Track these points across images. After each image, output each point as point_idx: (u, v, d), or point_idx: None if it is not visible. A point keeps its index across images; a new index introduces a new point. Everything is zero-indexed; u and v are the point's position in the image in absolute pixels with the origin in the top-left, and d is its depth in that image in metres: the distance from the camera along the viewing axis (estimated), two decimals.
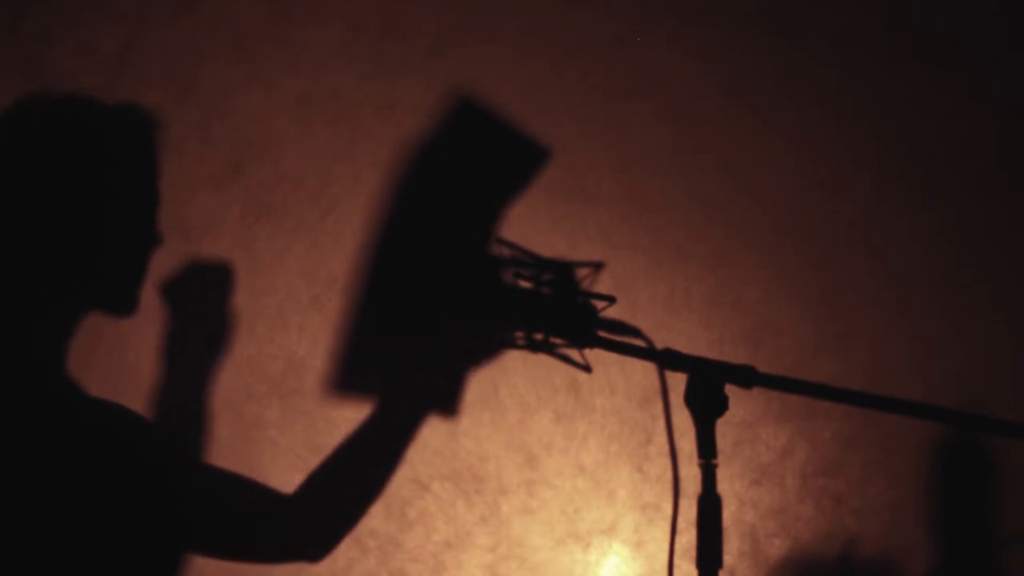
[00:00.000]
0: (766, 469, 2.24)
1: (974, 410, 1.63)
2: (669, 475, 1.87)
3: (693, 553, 1.62)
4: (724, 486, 1.62)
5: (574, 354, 2.05)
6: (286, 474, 2.08)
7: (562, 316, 1.95)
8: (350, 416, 2.14)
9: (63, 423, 1.60)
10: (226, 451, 2.07)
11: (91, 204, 1.67)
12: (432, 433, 2.17)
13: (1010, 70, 2.32)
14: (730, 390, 1.65)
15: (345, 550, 2.15)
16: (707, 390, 1.64)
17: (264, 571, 1.92)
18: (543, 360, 2.05)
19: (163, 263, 1.98)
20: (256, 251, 2.12)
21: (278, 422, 2.13)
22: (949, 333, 2.29)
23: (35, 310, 1.66)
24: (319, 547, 1.90)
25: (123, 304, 1.74)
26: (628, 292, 2.18)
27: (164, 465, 1.71)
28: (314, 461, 1.94)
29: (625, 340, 1.89)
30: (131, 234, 1.73)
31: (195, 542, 1.77)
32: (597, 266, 2.14)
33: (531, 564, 2.19)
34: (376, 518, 2.16)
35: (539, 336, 1.99)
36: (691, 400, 1.65)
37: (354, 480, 1.93)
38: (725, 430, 1.64)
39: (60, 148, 1.67)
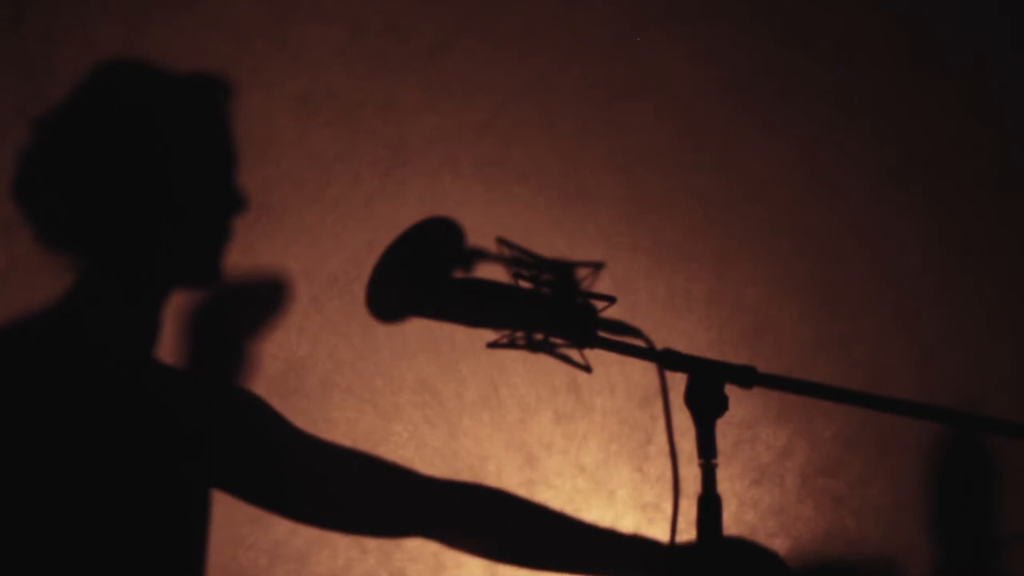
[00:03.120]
0: (766, 469, 2.24)
1: (974, 410, 1.63)
2: (669, 475, 1.87)
3: None
4: (724, 486, 1.62)
5: (574, 354, 2.05)
6: None
7: (562, 316, 1.95)
8: (350, 416, 2.15)
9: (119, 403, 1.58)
10: None
11: (158, 176, 1.64)
12: (432, 433, 2.17)
13: (1011, 70, 2.32)
14: (730, 390, 1.64)
15: (345, 550, 2.15)
16: (707, 390, 1.64)
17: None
18: (543, 360, 2.05)
19: None
20: (256, 251, 2.12)
21: None
22: (949, 333, 2.29)
23: (85, 295, 1.63)
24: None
25: (204, 275, 1.72)
26: (628, 292, 2.17)
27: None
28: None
29: (625, 340, 1.89)
30: (206, 200, 1.70)
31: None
32: (597, 266, 2.14)
33: None
34: None
35: (539, 336, 1.99)
36: (691, 400, 1.65)
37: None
38: (725, 430, 1.65)
39: (124, 122, 1.65)
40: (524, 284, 1.99)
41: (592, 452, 2.21)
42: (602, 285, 2.13)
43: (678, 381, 1.69)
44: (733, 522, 2.21)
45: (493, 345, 1.98)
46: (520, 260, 2.07)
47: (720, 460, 1.63)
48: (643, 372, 2.15)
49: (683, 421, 1.68)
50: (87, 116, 1.67)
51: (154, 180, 1.65)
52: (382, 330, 2.11)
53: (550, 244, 2.14)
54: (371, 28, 2.18)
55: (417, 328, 2.09)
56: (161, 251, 1.66)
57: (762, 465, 2.24)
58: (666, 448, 1.89)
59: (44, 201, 1.65)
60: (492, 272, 2.03)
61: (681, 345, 1.74)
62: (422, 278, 1.97)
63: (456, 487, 1.90)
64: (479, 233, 2.03)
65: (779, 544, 2.24)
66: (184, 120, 1.70)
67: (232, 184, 1.74)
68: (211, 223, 1.71)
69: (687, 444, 1.71)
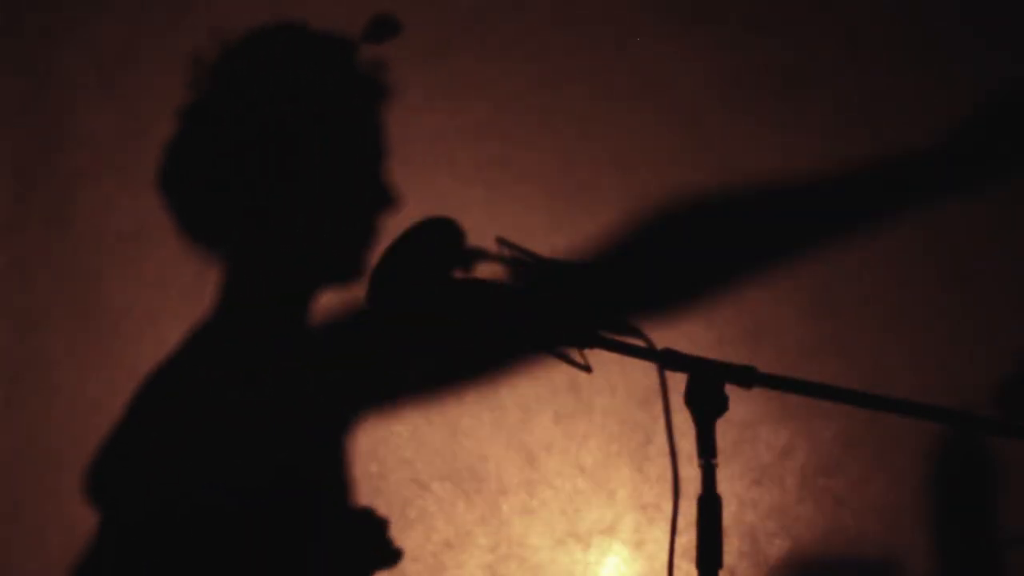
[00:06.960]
0: (766, 469, 2.24)
1: (974, 410, 1.63)
2: (669, 475, 1.86)
3: (693, 553, 1.61)
4: (724, 486, 1.62)
5: (574, 354, 2.05)
6: None
7: (562, 316, 1.95)
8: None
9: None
10: None
11: (301, 170, 1.62)
12: (432, 433, 2.18)
13: (1011, 70, 2.32)
14: (730, 390, 1.64)
15: None
16: (707, 390, 1.64)
17: None
18: (543, 360, 2.05)
19: (162, 266, 1.98)
20: None
21: None
22: (949, 333, 2.29)
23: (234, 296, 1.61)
24: None
25: (347, 273, 1.69)
26: (628, 292, 2.18)
27: None
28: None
29: (625, 340, 1.89)
30: (351, 197, 1.68)
31: None
32: (597, 267, 2.15)
33: (531, 564, 2.20)
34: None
35: (539, 336, 1.99)
36: (691, 400, 1.65)
37: None
38: (725, 430, 1.64)
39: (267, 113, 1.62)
40: (524, 284, 1.99)
41: (592, 452, 2.21)
42: (602, 285, 2.13)
43: (678, 381, 1.69)
44: (733, 522, 2.22)
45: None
46: (520, 260, 2.07)
47: (720, 460, 1.63)
48: (643, 372, 2.15)
49: (683, 421, 1.68)
50: (230, 105, 1.64)
51: (297, 174, 1.62)
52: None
53: (550, 244, 2.14)
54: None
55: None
56: (304, 248, 1.63)
57: (762, 465, 2.24)
58: (666, 448, 1.88)
59: (190, 192, 1.62)
60: (492, 272, 2.03)
61: (681, 345, 1.74)
62: (422, 278, 1.97)
63: None
64: (479, 233, 2.03)
65: (779, 544, 2.24)
66: (328, 113, 1.68)
67: (379, 180, 1.72)
68: (356, 220, 1.69)
69: (687, 444, 1.70)
